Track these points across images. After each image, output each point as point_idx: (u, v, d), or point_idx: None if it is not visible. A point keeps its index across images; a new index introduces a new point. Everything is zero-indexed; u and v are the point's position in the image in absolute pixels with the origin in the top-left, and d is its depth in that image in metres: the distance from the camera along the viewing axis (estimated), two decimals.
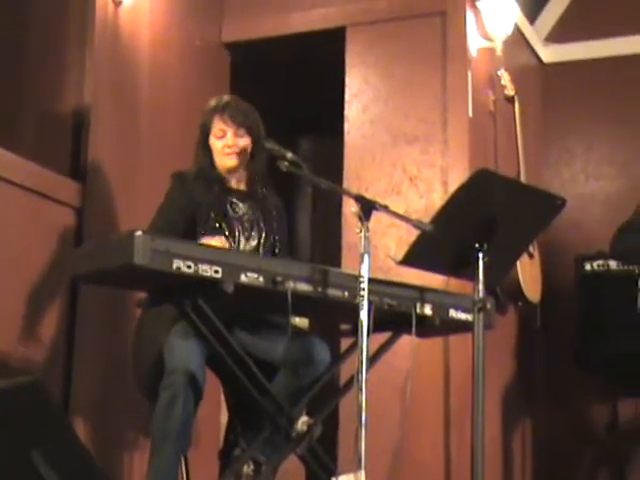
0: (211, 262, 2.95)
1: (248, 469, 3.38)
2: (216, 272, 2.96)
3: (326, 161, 5.24)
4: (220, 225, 3.48)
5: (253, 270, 3.03)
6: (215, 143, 3.55)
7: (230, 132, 3.54)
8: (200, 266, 2.93)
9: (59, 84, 4.26)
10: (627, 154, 5.55)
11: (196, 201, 3.47)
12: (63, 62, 4.26)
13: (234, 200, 3.55)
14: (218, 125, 3.54)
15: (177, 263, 2.90)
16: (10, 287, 3.75)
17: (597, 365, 5.08)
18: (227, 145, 3.53)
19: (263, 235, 3.56)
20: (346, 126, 4.85)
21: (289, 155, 3.42)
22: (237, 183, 3.59)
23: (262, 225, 3.58)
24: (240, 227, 3.52)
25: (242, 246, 3.49)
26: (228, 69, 5.15)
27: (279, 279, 3.06)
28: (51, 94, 4.26)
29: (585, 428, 5.32)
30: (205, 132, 3.56)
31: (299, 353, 3.37)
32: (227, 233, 3.47)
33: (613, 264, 5.02)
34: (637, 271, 4.40)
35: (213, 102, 3.60)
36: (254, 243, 3.55)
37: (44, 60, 4.27)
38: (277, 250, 3.59)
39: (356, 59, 4.89)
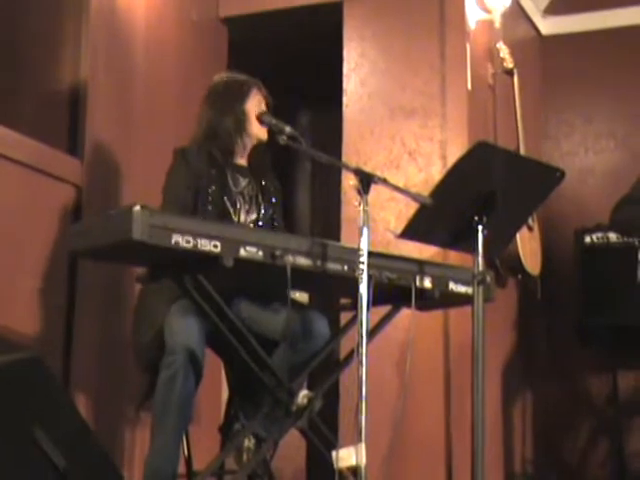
0: (210, 236, 2.95)
1: (249, 443, 3.40)
2: (215, 247, 2.96)
3: (325, 135, 5.23)
4: (221, 198, 3.47)
5: (252, 244, 3.02)
6: (253, 106, 3.57)
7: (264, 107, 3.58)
8: (199, 240, 2.92)
9: (56, 60, 4.24)
10: (626, 127, 5.53)
11: (199, 175, 3.47)
12: (59, 38, 4.24)
13: (235, 174, 3.56)
14: (257, 97, 3.60)
15: (176, 238, 2.89)
16: (9, 264, 3.75)
17: (597, 337, 5.09)
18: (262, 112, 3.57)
19: (262, 209, 3.57)
20: (344, 100, 4.84)
21: (287, 129, 3.42)
22: (240, 158, 3.60)
23: (261, 199, 3.58)
24: (241, 200, 3.53)
25: (242, 219, 3.50)
26: (226, 44, 5.12)
27: (278, 253, 3.06)
28: (48, 70, 4.25)
29: (585, 400, 5.33)
30: (239, 98, 3.55)
31: (299, 327, 3.37)
32: (228, 206, 3.47)
33: (613, 236, 5.02)
34: (637, 243, 4.39)
35: (241, 75, 3.62)
36: (253, 217, 3.56)
37: (40, 36, 4.25)
38: (276, 224, 3.60)
39: (354, 32, 4.87)
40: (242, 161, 3.62)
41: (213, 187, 3.48)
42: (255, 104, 3.58)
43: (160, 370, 3.26)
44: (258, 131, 3.57)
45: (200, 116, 3.61)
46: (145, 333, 3.38)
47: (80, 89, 4.16)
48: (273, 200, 3.63)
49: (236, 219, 3.50)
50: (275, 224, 3.61)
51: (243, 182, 3.58)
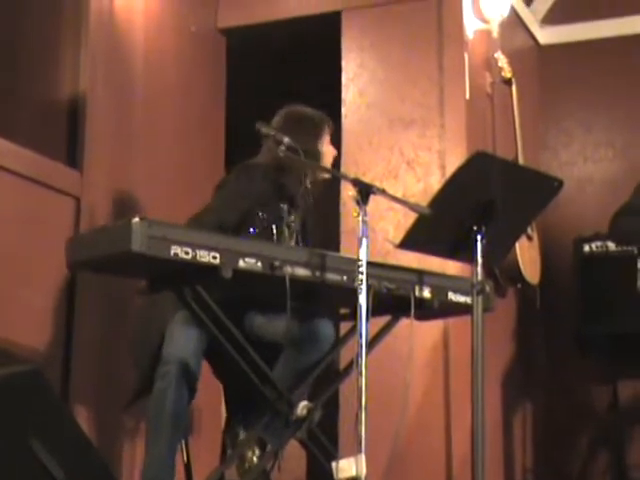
0: (209, 248, 2.95)
1: (252, 455, 3.39)
2: (214, 258, 2.96)
3: None
4: (270, 225, 3.50)
5: (251, 255, 3.03)
6: (330, 150, 3.64)
7: None
8: (198, 252, 2.93)
9: (55, 71, 4.25)
10: (625, 136, 5.53)
11: (258, 197, 3.48)
12: (58, 49, 4.25)
13: (286, 206, 3.58)
14: (328, 136, 3.65)
15: (175, 249, 2.90)
16: (8, 276, 3.74)
17: (596, 346, 5.09)
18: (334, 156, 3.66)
19: (301, 245, 3.62)
20: (343, 110, 4.84)
21: (286, 140, 3.42)
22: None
23: (301, 238, 3.63)
24: (286, 232, 3.55)
25: None
26: (224, 54, 5.13)
27: (277, 264, 3.06)
28: (47, 81, 4.26)
29: (585, 409, 5.32)
30: (316, 136, 3.58)
31: (304, 331, 3.36)
32: (274, 232, 3.49)
33: (612, 245, 5.02)
34: (636, 252, 4.39)
35: (315, 111, 3.68)
36: None
37: (39, 47, 4.26)
38: None
39: (352, 43, 4.88)
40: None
41: (267, 213, 3.49)
42: (327, 142, 3.63)
43: (155, 379, 3.27)
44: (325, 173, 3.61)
45: (273, 142, 3.44)
46: (146, 347, 3.39)
47: (79, 100, 4.17)
48: (310, 237, 3.68)
49: None
50: None
51: (292, 216, 3.61)
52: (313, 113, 3.68)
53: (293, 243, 3.60)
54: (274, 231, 3.51)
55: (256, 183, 3.51)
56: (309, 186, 3.62)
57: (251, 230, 3.45)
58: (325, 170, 3.36)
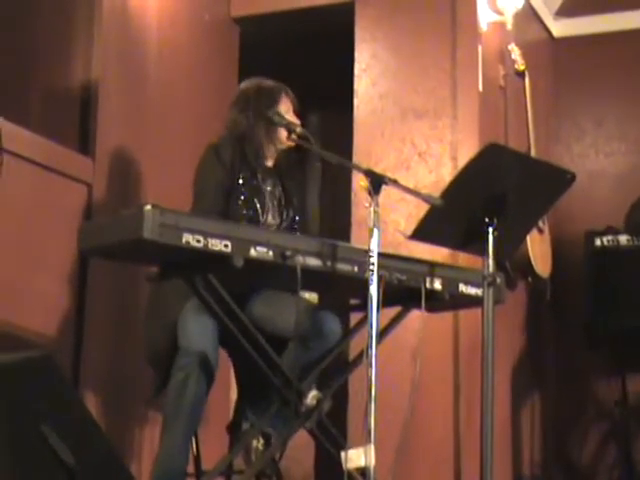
0: (221, 236, 2.94)
1: (258, 443, 3.40)
2: (226, 246, 2.95)
3: (335, 136, 5.23)
4: (252, 199, 3.49)
5: (262, 244, 3.02)
6: (292, 118, 3.58)
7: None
8: (210, 240, 2.92)
9: (67, 59, 4.25)
10: (638, 130, 5.52)
11: (232, 173, 3.49)
12: (71, 36, 4.24)
13: (265, 177, 3.58)
14: (286, 103, 3.60)
15: (186, 237, 2.89)
16: (21, 262, 3.76)
17: (606, 339, 5.08)
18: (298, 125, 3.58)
19: (284, 212, 3.59)
20: (355, 101, 4.84)
21: (299, 129, 3.42)
22: (269, 161, 3.62)
23: (283, 203, 3.60)
24: (269, 203, 3.55)
25: (270, 221, 3.53)
26: (237, 44, 5.13)
27: (288, 253, 3.05)
28: (59, 69, 4.26)
29: (594, 403, 5.32)
30: (270, 104, 3.55)
31: (309, 325, 3.37)
32: (258, 207, 3.48)
33: (623, 239, 5.01)
34: None
35: (269, 81, 3.63)
36: (277, 220, 3.57)
37: (52, 35, 4.26)
38: (296, 227, 3.61)
39: (365, 33, 4.87)
40: (270, 164, 3.65)
41: (245, 188, 3.49)
42: (284, 111, 3.59)
43: (173, 372, 3.28)
44: (288, 137, 3.58)
45: (229, 120, 3.61)
46: (157, 333, 3.39)
47: (92, 88, 4.17)
48: (295, 201, 3.65)
49: (263, 220, 3.52)
50: (295, 227, 3.61)
51: (271, 185, 3.60)
52: (267, 82, 3.65)
53: (276, 213, 3.58)
54: (257, 204, 3.51)
55: (225, 157, 3.50)
56: (274, 154, 3.61)
57: (243, 210, 3.45)
58: (338, 160, 3.35)
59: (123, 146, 4.22)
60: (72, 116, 4.20)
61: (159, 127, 4.43)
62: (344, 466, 2.98)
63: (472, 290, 3.54)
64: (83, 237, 3.09)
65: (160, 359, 3.38)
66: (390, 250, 3.54)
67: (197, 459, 3.45)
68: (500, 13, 4.86)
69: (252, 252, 3.00)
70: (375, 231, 3.01)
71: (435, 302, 3.46)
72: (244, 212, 3.47)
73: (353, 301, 3.69)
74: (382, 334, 3.32)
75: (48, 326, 3.86)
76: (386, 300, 3.08)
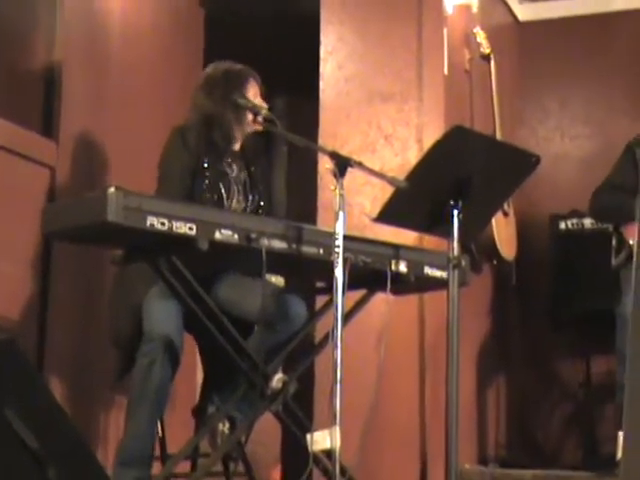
0: (185, 219, 2.94)
1: (223, 427, 3.40)
2: (190, 229, 2.95)
3: (301, 119, 5.22)
4: (217, 183, 3.47)
5: (227, 227, 3.02)
6: (259, 102, 3.57)
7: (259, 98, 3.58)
8: (174, 223, 2.91)
9: (30, 41, 4.20)
10: (602, 113, 5.55)
11: (197, 157, 3.47)
12: (34, 17, 4.20)
13: (231, 161, 3.56)
14: (254, 87, 3.58)
15: (151, 220, 2.88)
16: None
17: (570, 322, 5.12)
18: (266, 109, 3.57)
19: (249, 196, 3.58)
20: (321, 84, 4.82)
21: (264, 112, 3.41)
22: (235, 145, 3.61)
23: (249, 187, 3.59)
24: (234, 187, 3.53)
25: (234, 206, 3.51)
26: (202, 26, 5.09)
27: (253, 236, 3.05)
28: (22, 51, 4.21)
29: (558, 385, 5.37)
30: (237, 89, 3.53)
31: (275, 309, 3.37)
32: (222, 191, 3.47)
33: (587, 222, 5.05)
34: (611, 229, 4.41)
35: (237, 65, 3.61)
36: (242, 205, 3.56)
37: (14, 17, 4.20)
38: (260, 212, 3.61)
39: (331, 16, 4.85)
40: (237, 148, 3.63)
41: (210, 172, 3.47)
42: (252, 95, 3.56)
43: (138, 357, 3.28)
44: (253, 121, 3.56)
45: (196, 104, 3.59)
46: (122, 315, 3.38)
47: (55, 70, 4.13)
48: (260, 186, 3.64)
49: (228, 205, 3.50)
50: (261, 211, 3.61)
51: (236, 169, 3.59)
52: (234, 66, 3.63)
53: (242, 197, 3.57)
54: (222, 189, 3.50)
55: (190, 141, 3.49)
56: (241, 138, 3.60)
57: (207, 193, 3.44)
58: (303, 143, 3.35)
59: (87, 129, 4.19)
60: (35, 99, 4.16)
61: (123, 110, 4.39)
62: (309, 448, 2.99)
63: (437, 272, 3.55)
64: (46, 220, 3.07)
65: (125, 342, 3.37)
66: (356, 233, 3.55)
67: (163, 443, 3.45)
68: None
69: (217, 235, 3.00)
70: (340, 214, 3.01)
71: (400, 285, 3.48)
72: (208, 196, 3.46)
73: (319, 284, 3.70)
74: (347, 317, 3.34)
75: (11, 310, 3.83)
76: (351, 283, 3.09)
